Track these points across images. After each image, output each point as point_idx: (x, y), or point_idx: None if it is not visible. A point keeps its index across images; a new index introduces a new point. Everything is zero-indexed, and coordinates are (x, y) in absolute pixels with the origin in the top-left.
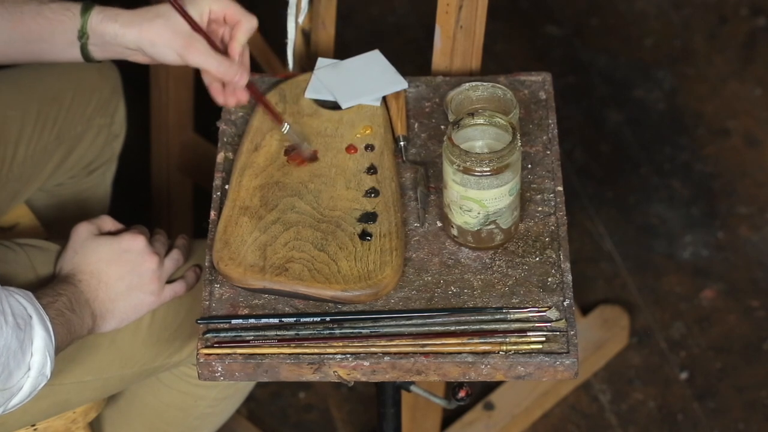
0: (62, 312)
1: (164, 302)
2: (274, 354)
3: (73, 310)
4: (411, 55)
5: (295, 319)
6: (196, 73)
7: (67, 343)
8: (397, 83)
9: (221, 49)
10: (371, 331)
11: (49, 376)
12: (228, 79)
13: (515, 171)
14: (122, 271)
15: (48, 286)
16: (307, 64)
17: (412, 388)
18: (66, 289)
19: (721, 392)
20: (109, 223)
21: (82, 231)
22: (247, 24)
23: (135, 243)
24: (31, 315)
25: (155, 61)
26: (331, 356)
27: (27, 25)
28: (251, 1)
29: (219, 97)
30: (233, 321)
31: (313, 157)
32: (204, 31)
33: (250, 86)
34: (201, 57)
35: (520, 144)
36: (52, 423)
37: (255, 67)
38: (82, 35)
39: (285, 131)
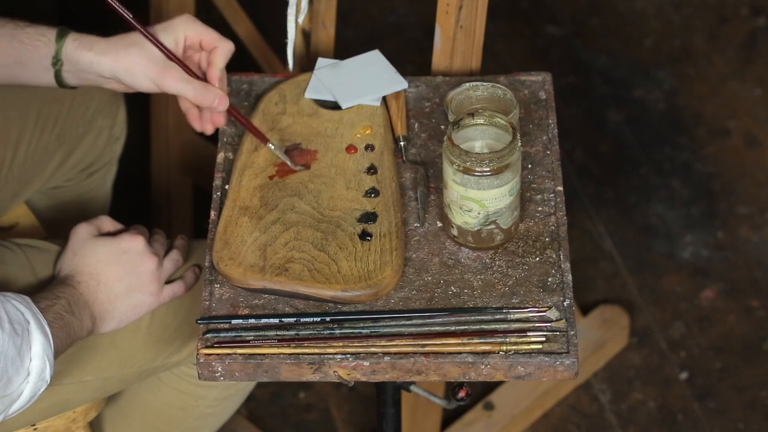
0: (61, 315)
1: (163, 303)
2: (274, 354)
3: (72, 312)
4: (411, 55)
5: (295, 319)
6: None
7: (67, 345)
8: (397, 83)
9: (199, 75)
10: (371, 331)
11: (49, 381)
12: (206, 105)
13: (515, 171)
14: (121, 272)
15: (47, 289)
16: (307, 64)
17: (412, 388)
18: (65, 291)
19: (721, 392)
20: (108, 223)
21: (82, 232)
22: (224, 48)
23: (134, 243)
24: (28, 320)
25: (131, 89)
26: (331, 356)
27: (2, 49)
28: (251, 1)
29: (196, 123)
30: (233, 321)
31: (307, 164)
32: (179, 59)
33: (230, 108)
34: (177, 84)
35: (520, 144)
36: (52, 423)
37: (255, 67)
38: (56, 62)
39: (273, 149)
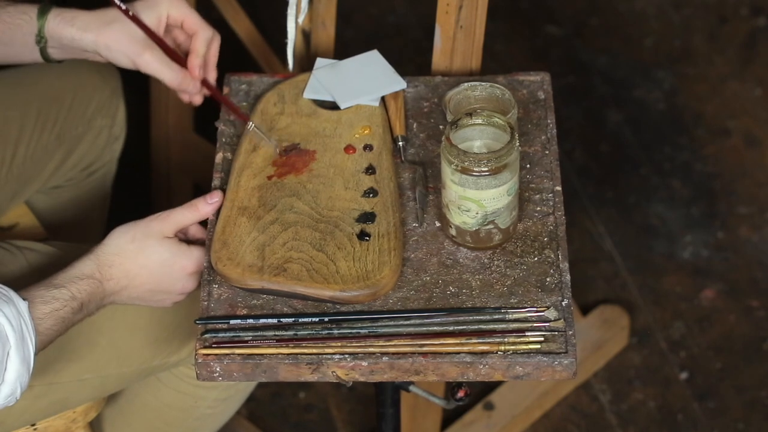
0: (64, 318)
1: None
2: (273, 354)
3: (80, 310)
4: (411, 55)
5: (293, 319)
6: None
7: (57, 337)
8: (396, 83)
9: (179, 54)
10: (369, 332)
11: (19, 397)
12: (182, 89)
13: (513, 171)
14: (159, 284)
15: (72, 279)
16: (306, 64)
17: (411, 388)
18: (87, 288)
19: (721, 392)
20: (194, 229)
21: (156, 227)
22: (203, 35)
23: (191, 265)
24: (10, 344)
25: (112, 63)
26: (329, 356)
27: None
28: (251, 1)
29: (184, 96)
30: (232, 321)
31: (291, 150)
32: (160, 39)
33: (210, 88)
34: (154, 65)
35: (518, 144)
36: (52, 422)
37: (255, 67)
38: (40, 39)
39: (250, 128)
